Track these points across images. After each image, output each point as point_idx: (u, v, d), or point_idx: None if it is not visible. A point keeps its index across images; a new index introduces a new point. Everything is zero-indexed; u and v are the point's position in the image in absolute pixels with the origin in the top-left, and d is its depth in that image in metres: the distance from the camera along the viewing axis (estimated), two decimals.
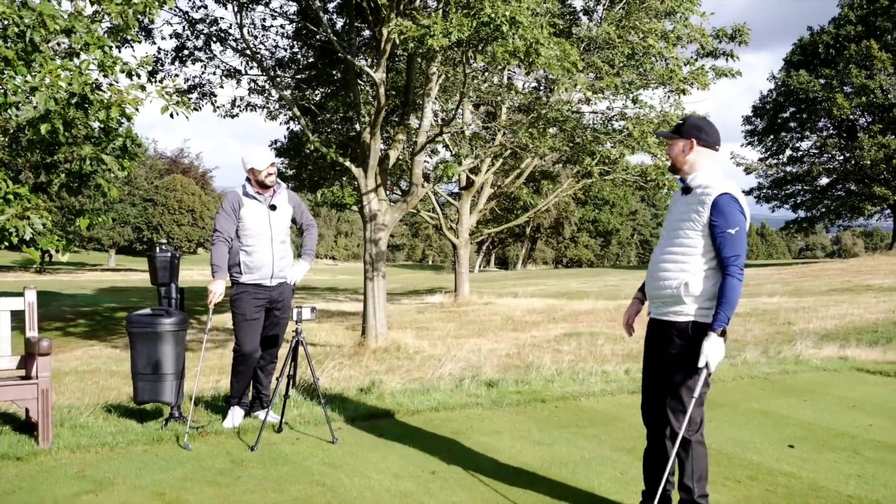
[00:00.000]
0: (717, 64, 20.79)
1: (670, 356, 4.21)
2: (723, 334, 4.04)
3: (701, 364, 4.05)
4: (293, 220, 6.42)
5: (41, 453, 5.28)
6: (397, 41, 12.19)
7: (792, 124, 47.20)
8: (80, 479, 4.87)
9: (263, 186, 6.12)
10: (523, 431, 6.33)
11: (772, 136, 48.42)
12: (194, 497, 4.66)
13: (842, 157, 46.39)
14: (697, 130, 4.18)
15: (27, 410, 5.61)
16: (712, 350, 4.01)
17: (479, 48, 12.02)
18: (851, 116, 43.56)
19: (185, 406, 6.33)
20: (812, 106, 44.90)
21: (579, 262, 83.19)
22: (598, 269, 57.95)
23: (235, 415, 6.21)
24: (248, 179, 6.18)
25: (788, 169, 48.30)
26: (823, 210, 47.57)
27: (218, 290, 5.95)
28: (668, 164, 4.37)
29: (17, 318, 5.84)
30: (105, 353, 18.21)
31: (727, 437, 6.29)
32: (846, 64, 42.61)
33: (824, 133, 47.13)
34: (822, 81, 43.74)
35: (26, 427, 5.77)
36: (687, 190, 4.20)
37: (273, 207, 6.14)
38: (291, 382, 6.00)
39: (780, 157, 48.96)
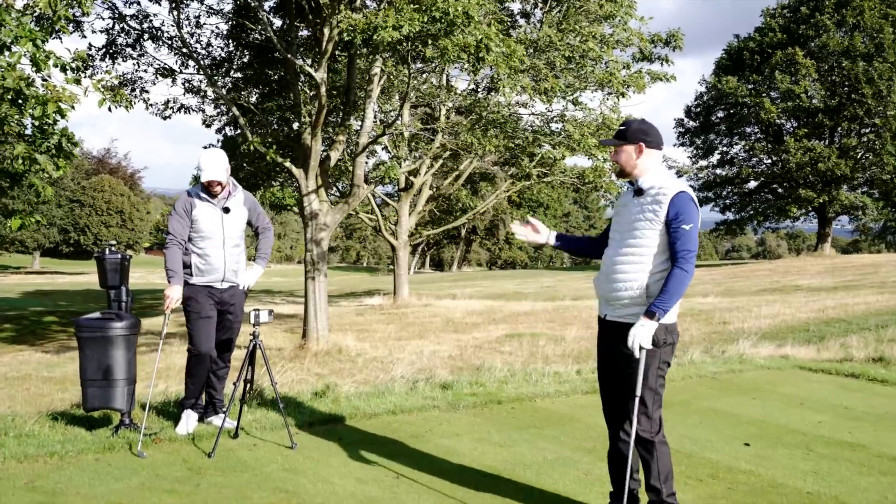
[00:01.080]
0: (651, 68, 21.15)
1: (630, 357, 4.18)
2: (654, 318, 4.03)
3: (629, 343, 4.05)
4: (249, 223, 6.23)
5: None
6: (346, 35, 12.04)
7: (722, 127, 48.30)
8: (31, 491, 4.66)
9: (212, 194, 5.93)
10: (483, 433, 6.28)
11: (702, 138, 49.48)
12: None
13: (769, 161, 47.63)
14: (643, 134, 4.22)
15: None
16: (640, 331, 4.02)
17: (430, 43, 11.95)
18: (778, 121, 44.72)
19: (136, 413, 6.11)
20: (741, 110, 46.02)
21: (513, 263, 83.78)
22: (533, 271, 58.41)
23: (190, 419, 6.01)
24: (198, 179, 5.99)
25: (718, 171, 49.40)
26: (752, 212, 48.75)
27: (174, 295, 5.77)
28: (616, 169, 4.37)
29: None
30: (35, 359, 17.60)
31: (683, 435, 6.34)
32: (772, 70, 43.77)
33: (752, 137, 48.33)
34: (749, 87, 44.85)
35: None
36: (639, 192, 4.22)
37: (227, 210, 5.96)
38: (249, 387, 5.84)
39: (710, 159, 50.08)
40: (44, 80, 10.57)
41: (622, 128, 4.29)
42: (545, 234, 4.67)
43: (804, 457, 5.91)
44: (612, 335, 4.31)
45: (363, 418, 6.58)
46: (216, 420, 6.15)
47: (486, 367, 9.19)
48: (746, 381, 8.87)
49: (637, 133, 4.21)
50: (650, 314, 4.03)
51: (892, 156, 40.91)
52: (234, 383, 5.70)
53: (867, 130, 43.72)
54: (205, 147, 23.04)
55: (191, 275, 5.92)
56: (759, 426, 6.78)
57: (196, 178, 6.05)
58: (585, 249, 4.76)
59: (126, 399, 5.77)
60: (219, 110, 20.63)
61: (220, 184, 5.86)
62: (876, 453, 6.02)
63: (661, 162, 4.30)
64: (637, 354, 4.04)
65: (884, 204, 46.31)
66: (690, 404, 7.54)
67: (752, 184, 47.57)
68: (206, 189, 5.90)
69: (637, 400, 4.12)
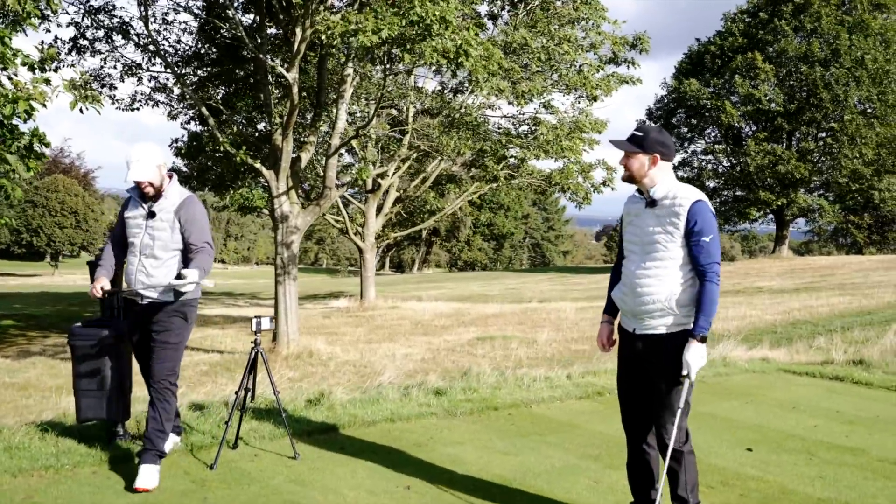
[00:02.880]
0: (618, 71, 21.27)
1: (664, 369, 4.15)
2: (703, 340, 4.06)
3: (684, 372, 4.08)
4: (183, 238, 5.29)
5: None
6: (323, 37, 11.87)
7: (682, 129, 48.78)
8: None
9: (144, 196, 5.26)
10: (485, 441, 6.19)
11: None
12: None
13: (728, 164, 48.23)
14: (661, 146, 4.14)
15: None
16: (694, 357, 4.05)
17: (407, 47, 11.83)
18: (737, 124, 45.28)
19: (130, 424, 5.90)
20: (701, 113, 46.54)
21: (473, 264, 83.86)
22: (495, 273, 58.48)
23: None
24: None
25: (679, 173, 49.86)
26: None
27: (95, 284, 5.22)
28: (625, 175, 4.27)
29: None
30: None
31: None
32: (732, 74, 44.33)
33: (712, 139, 48.91)
34: (710, 90, 45.36)
35: None
36: (652, 203, 4.15)
37: (151, 215, 5.22)
38: (250, 395, 5.67)
39: None
40: (10, 77, 10.26)
41: (639, 134, 4.17)
42: (608, 327, 4.51)
43: (808, 462, 5.91)
44: (642, 348, 4.24)
45: (362, 426, 6.44)
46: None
47: (474, 371, 9.08)
48: (735, 385, 8.89)
49: (655, 144, 4.13)
50: (698, 337, 4.04)
51: (849, 159, 41.64)
52: (236, 392, 5.53)
53: (824, 135, 44.46)
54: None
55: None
56: (758, 431, 6.77)
57: None
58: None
59: (121, 409, 5.56)
60: (184, 105, 20.28)
61: (150, 184, 5.13)
62: (877, 457, 6.04)
63: (670, 170, 4.23)
64: (693, 378, 4.08)
65: (839, 207, 47.15)
66: None
67: (711, 184, 48.06)
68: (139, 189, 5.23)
69: (678, 412, 4.11)
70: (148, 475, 4.86)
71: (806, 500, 5.10)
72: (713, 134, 48.69)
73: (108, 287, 5.27)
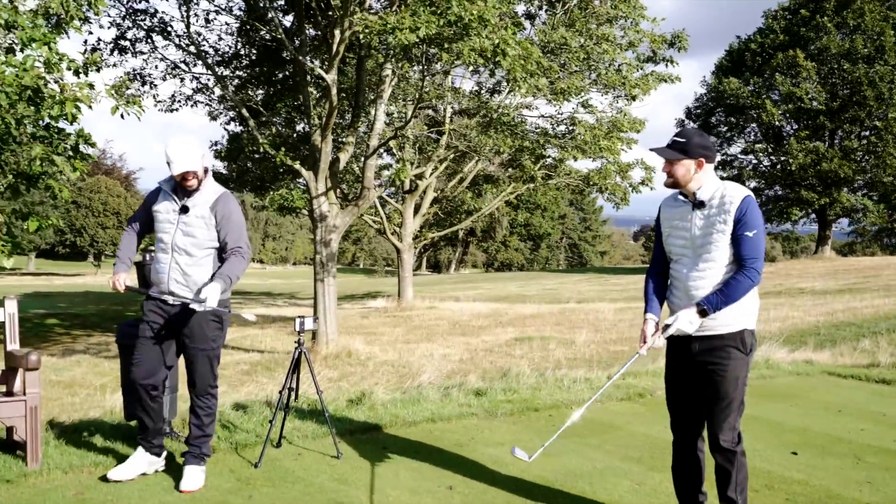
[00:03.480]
0: (656, 69, 21.12)
1: (723, 368, 4.12)
2: (702, 314, 4.04)
3: (668, 322, 4.09)
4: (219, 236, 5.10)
5: (31, 475, 4.90)
6: (361, 37, 11.94)
7: (722, 129, 48.27)
8: (81, 503, 4.54)
9: (185, 190, 5.07)
10: (526, 442, 6.18)
11: None
12: None
13: (768, 163, 47.64)
14: (705, 150, 4.09)
15: (11, 429, 5.22)
16: (684, 318, 4.04)
17: (445, 46, 11.86)
18: (778, 123, 44.70)
19: (176, 422, 5.99)
20: (741, 111, 45.99)
21: (510, 265, 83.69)
22: (533, 273, 58.35)
23: (133, 461, 5.04)
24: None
25: (719, 173, 49.10)
26: None
27: (117, 280, 5.04)
28: (669, 182, 4.23)
29: None
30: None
31: None
32: (773, 72, 43.77)
33: (752, 138, 48.30)
34: (750, 88, 44.84)
35: (8, 446, 5.35)
36: (700, 204, 4.12)
37: (185, 210, 5.01)
38: (294, 395, 5.72)
39: None
40: (57, 81, 10.46)
41: (681, 140, 4.11)
42: (652, 325, 4.34)
43: (854, 466, 5.82)
44: (699, 349, 4.19)
45: (403, 426, 6.47)
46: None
47: (514, 372, 9.07)
48: (779, 387, 8.79)
49: (699, 148, 4.08)
50: (700, 307, 4.02)
51: (894, 157, 40.88)
52: (280, 392, 5.58)
53: (868, 133, 43.70)
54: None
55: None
56: (803, 434, 6.69)
57: None
58: (664, 287, 4.47)
59: (169, 407, 5.65)
60: (225, 106, 20.55)
61: (195, 175, 4.95)
62: None
63: (713, 171, 4.20)
64: (668, 333, 4.08)
65: (884, 206, 46.30)
66: None
67: (752, 184, 47.43)
68: (180, 183, 5.02)
69: (733, 412, 4.13)
70: (192, 477, 4.89)
71: None
72: (753, 133, 48.07)
73: (129, 284, 5.08)
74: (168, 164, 4.91)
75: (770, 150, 46.27)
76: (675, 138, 4.16)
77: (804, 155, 42.19)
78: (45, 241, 71.58)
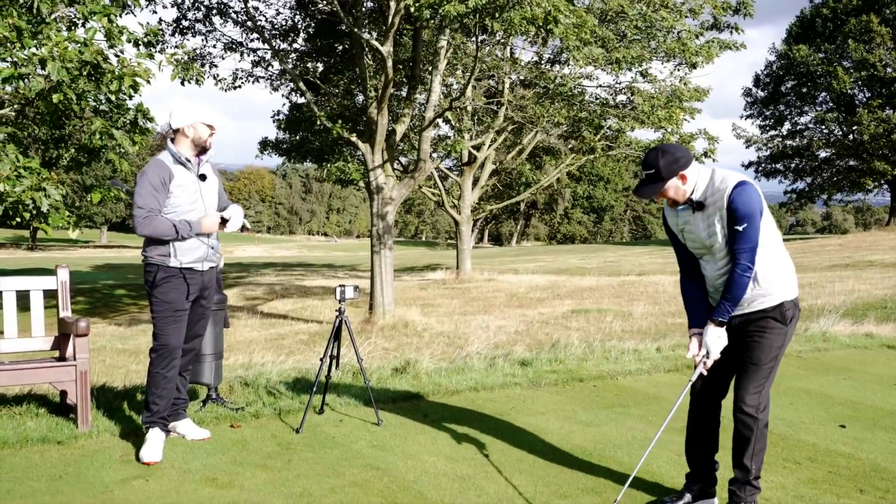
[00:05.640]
0: (720, 37, 20.58)
1: (760, 335, 4.13)
2: (720, 325, 4.11)
3: (703, 352, 4.16)
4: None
5: (81, 437, 5.09)
6: (412, 9, 11.92)
7: (792, 97, 47.03)
8: (127, 464, 4.70)
9: (203, 151, 5.07)
10: (568, 412, 6.18)
11: (771, 109, 48.28)
12: (248, 481, 4.50)
13: (839, 133, 46.29)
14: (676, 164, 4.01)
15: (63, 393, 5.42)
16: (712, 340, 4.11)
17: (496, 16, 11.76)
18: (850, 91, 43.36)
19: (222, 387, 6.14)
20: (812, 80, 44.71)
21: (573, 238, 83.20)
22: (595, 246, 57.90)
23: (158, 442, 4.92)
24: (172, 140, 5.03)
25: (788, 143, 48.16)
26: (823, 184, 47.52)
27: (212, 219, 5.04)
28: (670, 203, 4.17)
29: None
30: (109, 331, 17.98)
31: (775, 416, 6.13)
32: (845, 38, 42.40)
33: (823, 107, 46.98)
34: (821, 55, 43.54)
35: (61, 409, 5.57)
36: (700, 206, 4.08)
37: (203, 177, 5.05)
38: (336, 363, 5.80)
39: (780, 129, 48.84)
40: (117, 55, 10.67)
41: (651, 171, 4.03)
42: (696, 341, 4.28)
43: None
44: (738, 323, 4.20)
45: (446, 395, 6.53)
46: (181, 427, 5.26)
47: (562, 343, 9.06)
48: (834, 359, 8.60)
49: (671, 166, 4.00)
50: (715, 321, 4.10)
51: None
52: (321, 359, 5.67)
53: None
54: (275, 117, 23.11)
55: (168, 256, 4.93)
56: (853, 407, 6.55)
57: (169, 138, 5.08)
58: (702, 288, 4.37)
59: (213, 374, 5.79)
60: (284, 79, 20.74)
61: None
62: None
63: (696, 167, 4.11)
64: (712, 360, 4.14)
65: None
66: (779, 384, 7.31)
67: (823, 154, 46.28)
68: (200, 146, 5.03)
69: (764, 380, 4.14)
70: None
71: None
72: (824, 102, 46.72)
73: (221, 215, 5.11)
74: (190, 121, 4.96)
75: (841, 119, 44.93)
76: (645, 171, 4.10)
77: (876, 125, 40.85)
78: (117, 214, 73.53)
